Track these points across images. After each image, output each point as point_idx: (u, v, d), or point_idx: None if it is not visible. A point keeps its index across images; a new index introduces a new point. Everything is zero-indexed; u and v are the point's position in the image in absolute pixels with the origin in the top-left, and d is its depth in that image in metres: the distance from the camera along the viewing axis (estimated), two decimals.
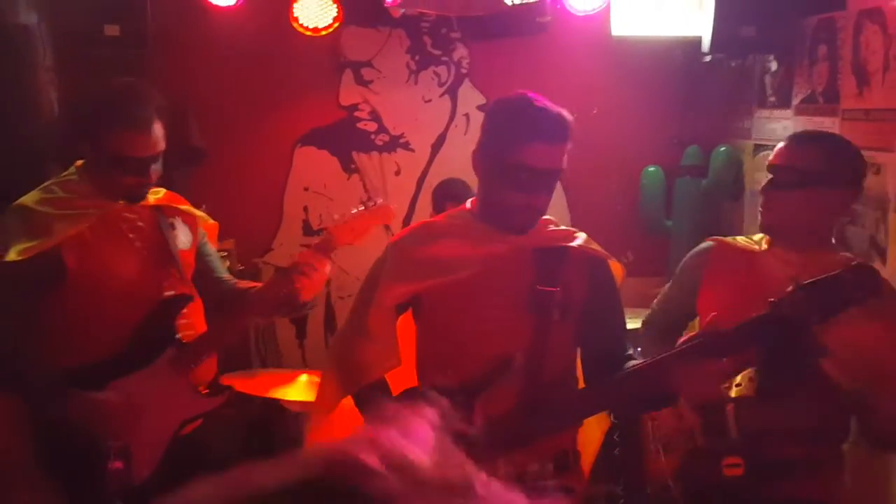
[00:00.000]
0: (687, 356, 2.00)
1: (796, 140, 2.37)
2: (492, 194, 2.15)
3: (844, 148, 2.37)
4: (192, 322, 2.68)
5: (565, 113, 2.11)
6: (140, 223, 2.61)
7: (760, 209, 2.37)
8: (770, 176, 2.35)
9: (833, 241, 2.38)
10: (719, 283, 2.38)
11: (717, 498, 2.27)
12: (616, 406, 2.25)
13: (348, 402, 2.34)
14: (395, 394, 2.25)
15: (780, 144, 2.38)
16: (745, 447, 2.19)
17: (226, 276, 2.87)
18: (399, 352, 2.21)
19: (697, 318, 2.47)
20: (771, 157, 2.38)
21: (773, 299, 1.96)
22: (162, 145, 2.52)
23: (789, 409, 2.19)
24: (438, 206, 3.66)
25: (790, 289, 1.94)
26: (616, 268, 2.25)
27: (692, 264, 2.49)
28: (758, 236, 2.43)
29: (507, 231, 2.14)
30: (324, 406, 2.37)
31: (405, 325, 2.29)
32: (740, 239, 2.47)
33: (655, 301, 2.66)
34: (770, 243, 2.37)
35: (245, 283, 2.83)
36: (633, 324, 3.64)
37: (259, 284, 2.79)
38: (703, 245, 2.50)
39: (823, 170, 2.26)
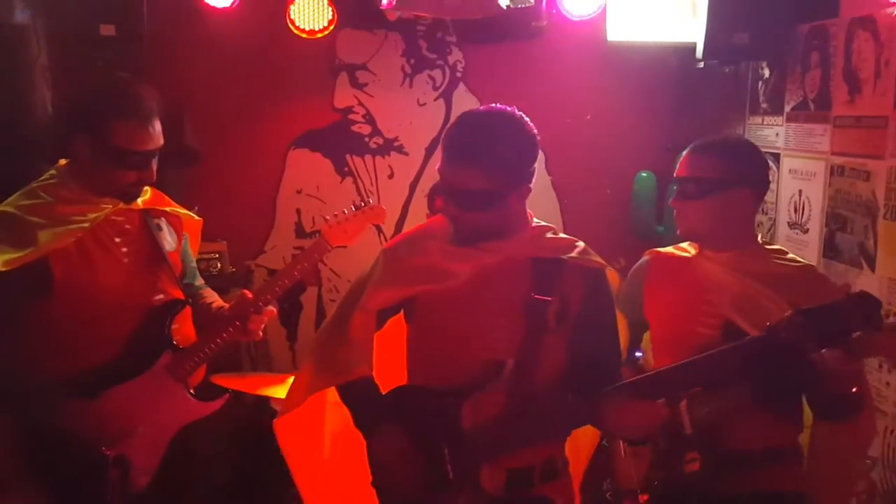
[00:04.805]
0: (679, 376, 2.05)
1: (695, 149, 2.42)
2: None
3: (741, 150, 2.44)
4: (182, 327, 2.67)
5: (508, 136, 2.06)
6: (128, 226, 2.58)
7: (675, 220, 2.44)
8: (677, 187, 2.41)
9: (758, 237, 2.44)
10: (661, 292, 2.46)
11: (681, 496, 2.28)
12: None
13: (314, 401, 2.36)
14: (383, 392, 2.25)
15: (682, 154, 2.44)
16: (700, 441, 2.21)
17: (197, 282, 2.87)
18: (371, 360, 2.22)
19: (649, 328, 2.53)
20: (676, 169, 2.44)
21: (769, 323, 1.96)
22: (161, 140, 2.52)
23: (740, 399, 2.19)
24: (432, 205, 3.69)
25: (788, 313, 1.94)
26: (612, 276, 2.26)
27: (633, 279, 2.57)
28: (684, 244, 2.50)
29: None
30: (293, 400, 2.38)
31: (396, 325, 2.29)
32: (670, 248, 2.54)
33: None
34: (698, 248, 2.45)
35: (209, 295, 2.83)
36: None
37: (217, 300, 2.81)
38: (641, 260, 2.58)
39: (723, 176, 2.32)
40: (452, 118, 4.55)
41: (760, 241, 2.43)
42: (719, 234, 2.36)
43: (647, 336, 2.55)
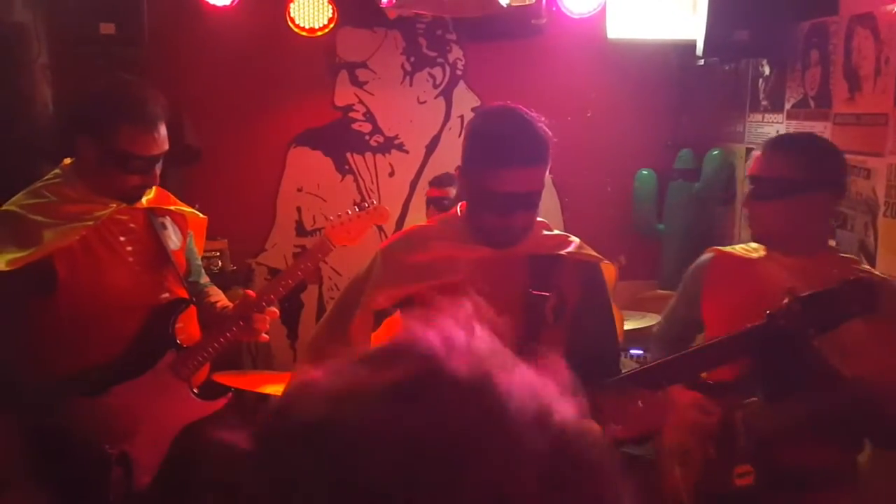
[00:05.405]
0: (672, 369, 2.04)
1: (775, 147, 2.28)
2: (472, 214, 2.16)
3: (824, 151, 2.31)
4: (187, 326, 2.67)
5: (543, 130, 2.06)
6: (132, 225, 2.57)
7: (748, 221, 2.34)
8: (751, 186, 2.30)
9: (831, 242, 2.38)
10: (721, 293, 2.35)
11: None
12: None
13: None
14: None
15: (758, 152, 2.31)
16: (755, 455, 2.12)
17: (202, 280, 2.86)
18: None
19: (705, 330, 2.44)
20: (750, 167, 2.32)
21: (769, 311, 1.95)
22: (166, 145, 2.49)
23: (799, 414, 2.12)
24: (439, 206, 3.71)
25: (786, 300, 1.92)
26: (609, 270, 2.26)
27: (693, 277, 2.45)
28: (754, 245, 2.38)
29: (492, 247, 2.14)
30: None
31: (394, 326, 2.29)
32: (738, 248, 2.42)
33: (662, 315, 2.62)
34: (767, 250, 2.33)
35: (214, 294, 2.83)
36: (627, 325, 3.69)
37: (223, 299, 2.81)
38: (704, 257, 2.46)
39: (805, 177, 2.19)
40: (453, 116, 4.65)
41: (833, 248, 2.36)
42: (793, 237, 2.24)
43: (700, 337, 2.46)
